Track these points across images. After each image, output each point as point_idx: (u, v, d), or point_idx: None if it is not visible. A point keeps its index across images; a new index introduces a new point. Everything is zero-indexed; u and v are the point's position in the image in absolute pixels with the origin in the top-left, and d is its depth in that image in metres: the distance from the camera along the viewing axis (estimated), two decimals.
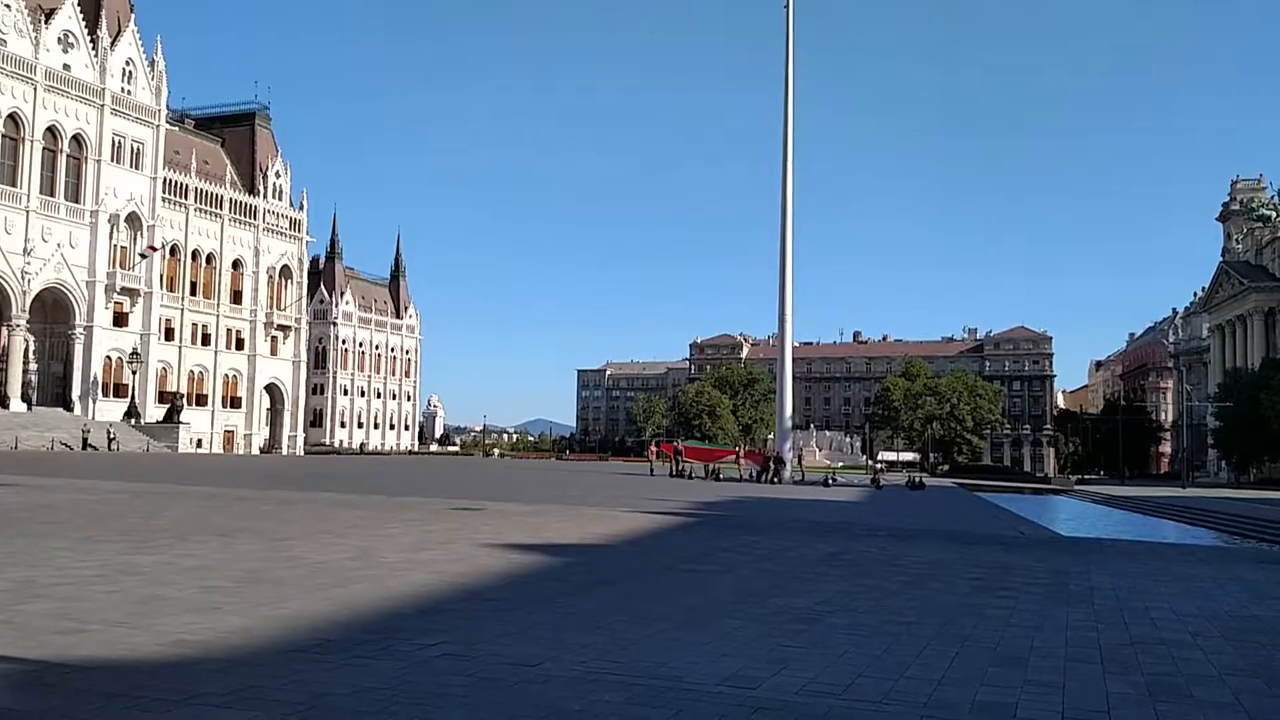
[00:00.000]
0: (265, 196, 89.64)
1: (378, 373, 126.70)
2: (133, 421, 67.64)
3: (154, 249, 73.74)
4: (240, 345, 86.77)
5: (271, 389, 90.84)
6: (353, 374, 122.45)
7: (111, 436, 58.52)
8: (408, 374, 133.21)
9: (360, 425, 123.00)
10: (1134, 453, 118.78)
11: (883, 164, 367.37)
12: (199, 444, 75.92)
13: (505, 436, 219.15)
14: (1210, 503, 41.57)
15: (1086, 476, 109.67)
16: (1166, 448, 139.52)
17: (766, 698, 4.50)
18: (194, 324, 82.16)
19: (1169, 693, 4.98)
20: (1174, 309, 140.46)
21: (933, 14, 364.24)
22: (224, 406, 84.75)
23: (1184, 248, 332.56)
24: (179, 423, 69.45)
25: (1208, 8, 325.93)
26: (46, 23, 68.06)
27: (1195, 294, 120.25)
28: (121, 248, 72.93)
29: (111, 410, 69.01)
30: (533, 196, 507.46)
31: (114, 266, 71.68)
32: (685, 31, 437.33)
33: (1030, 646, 6.08)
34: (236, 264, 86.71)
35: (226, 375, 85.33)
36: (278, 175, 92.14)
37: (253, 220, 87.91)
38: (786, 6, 46.81)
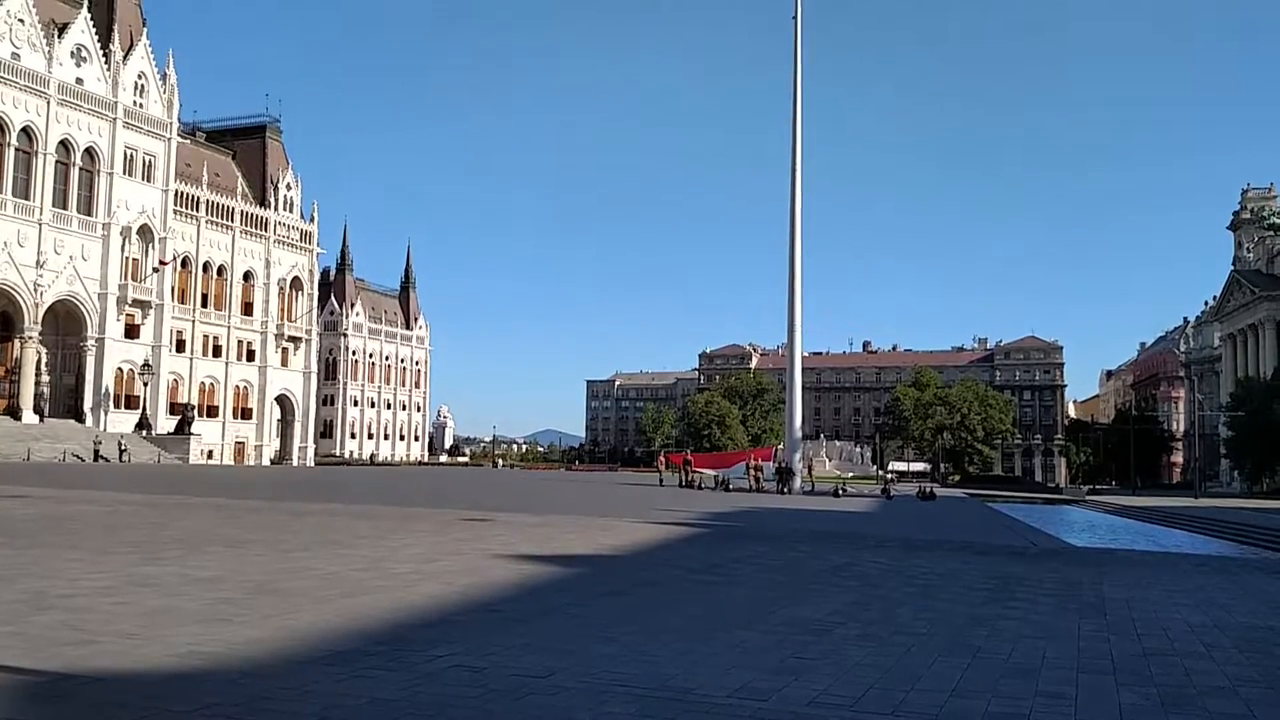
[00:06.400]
0: (276, 208, 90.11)
1: (388, 384, 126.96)
2: (144, 433, 67.94)
3: (164, 264, 74.08)
4: (251, 357, 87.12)
5: (282, 400, 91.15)
6: (363, 385, 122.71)
7: (123, 448, 58.72)
8: (418, 385, 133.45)
9: (370, 436, 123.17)
10: (1146, 463, 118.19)
11: (893, 174, 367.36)
12: (210, 455, 76.21)
13: (515, 447, 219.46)
14: (1223, 513, 41.34)
15: (1098, 486, 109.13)
16: (1178, 457, 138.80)
17: (777, 709, 4.49)
18: (205, 335, 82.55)
19: (1181, 704, 4.95)
20: (1185, 318, 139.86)
21: (946, 30, 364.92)
22: (235, 418, 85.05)
23: (1195, 257, 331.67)
24: (190, 434, 69.75)
25: (1218, 13, 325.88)
26: (60, 37, 68.54)
27: (1206, 303, 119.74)
28: (133, 260, 73.32)
29: (123, 422, 69.29)
30: (543, 207, 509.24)
31: (126, 279, 72.08)
32: (694, 40, 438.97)
33: (1042, 658, 6.06)
34: (247, 276, 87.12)
35: (237, 387, 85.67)
36: (289, 187, 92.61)
37: (264, 232, 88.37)
38: (795, 17, 46.92)
